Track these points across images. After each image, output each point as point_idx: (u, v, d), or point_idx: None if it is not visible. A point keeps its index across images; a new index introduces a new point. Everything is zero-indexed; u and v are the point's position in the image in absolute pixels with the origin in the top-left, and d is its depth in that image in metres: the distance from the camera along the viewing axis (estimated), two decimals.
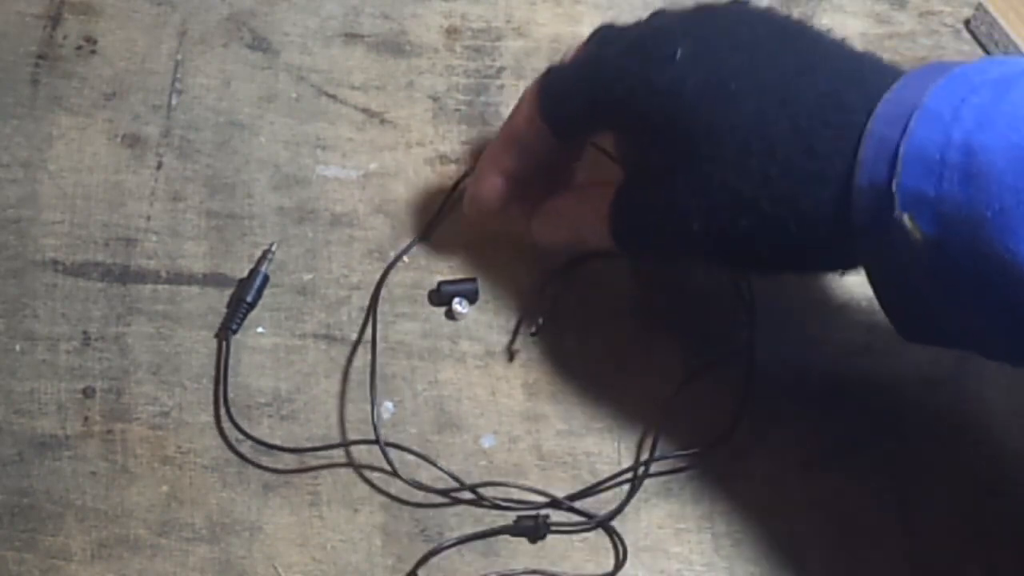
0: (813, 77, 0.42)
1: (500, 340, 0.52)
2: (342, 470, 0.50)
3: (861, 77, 0.42)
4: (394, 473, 0.49)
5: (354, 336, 0.52)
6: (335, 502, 0.49)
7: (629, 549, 0.48)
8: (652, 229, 0.46)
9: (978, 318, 0.39)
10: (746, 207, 0.42)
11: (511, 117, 0.50)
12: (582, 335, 0.52)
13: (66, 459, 0.49)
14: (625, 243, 0.48)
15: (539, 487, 0.49)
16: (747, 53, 0.43)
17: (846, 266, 0.45)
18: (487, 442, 0.50)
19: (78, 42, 0.58)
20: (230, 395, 0.50)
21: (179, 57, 0.58)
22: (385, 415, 0.51)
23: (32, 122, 0.56)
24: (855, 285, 0.52)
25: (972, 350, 0.42)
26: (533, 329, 0.51)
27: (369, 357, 0.51)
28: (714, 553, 0.48)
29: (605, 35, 0.48)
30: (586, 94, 0.46)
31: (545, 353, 0.52)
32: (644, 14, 0.57)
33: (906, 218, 0.38)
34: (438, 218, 0.54)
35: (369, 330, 0.52)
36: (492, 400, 0.51)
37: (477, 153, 0.55)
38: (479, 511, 0.49)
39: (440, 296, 0.53)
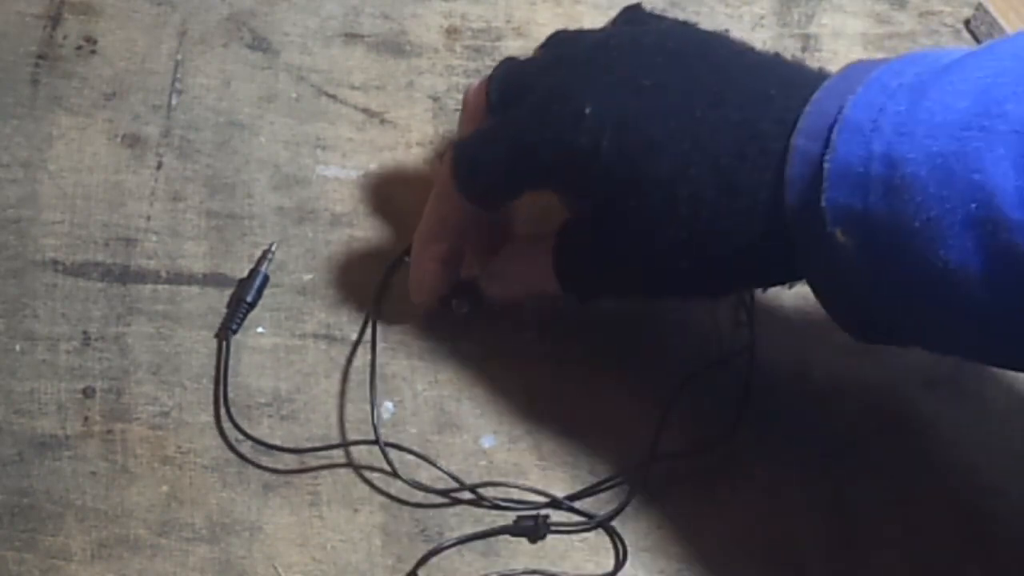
0: (723, 110, 0.42)
1: (500, 340, 0.52)
2: (342, 470, 0.50)
3: (771, 97, 0.42)
4: (394, 473, 0.49)
5: (354, 336, 0.52)
6: (335, 502, 0.49)
7: (629, 549, 0.48)
8: (596, 273, 0.47)
9: (920, 318, 0.40)
10: (683, 249, 0.43)
11: (431, 200, 0.49)
12: (582, 335, 0.52)
13: (66, 459, 0.49)
14: (574, 289, 0.48)
15: (539, 487, 0.49)
16: (655, 95, 0.43)
17: (789, 279, 0.45)
18: (487, 442, 0.50)
19: (78, 42, 0.58)
20: (230, 395, 0.50)
21: (179, 57, 0.58)
22: (385, 415, 0.51)
23: (32, 122, 0.56)
24: None
25: (925, 348, 0.42)
26: (465, 308, 0.52)
27: (369, 357, 0.51)
28: (714, 553, 0.48)
29: (500, 85, 0.48)
30: (501, 165, 0.46)
31: (545, 353, 0.52)
32: None
33: (838, 232, 0.38)
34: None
35: (369, 330, 0.52)
36: (492, 400, 0.51)
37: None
38: (479, 511, 0.49)
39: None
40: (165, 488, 0.49)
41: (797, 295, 0.52)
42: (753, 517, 0.49)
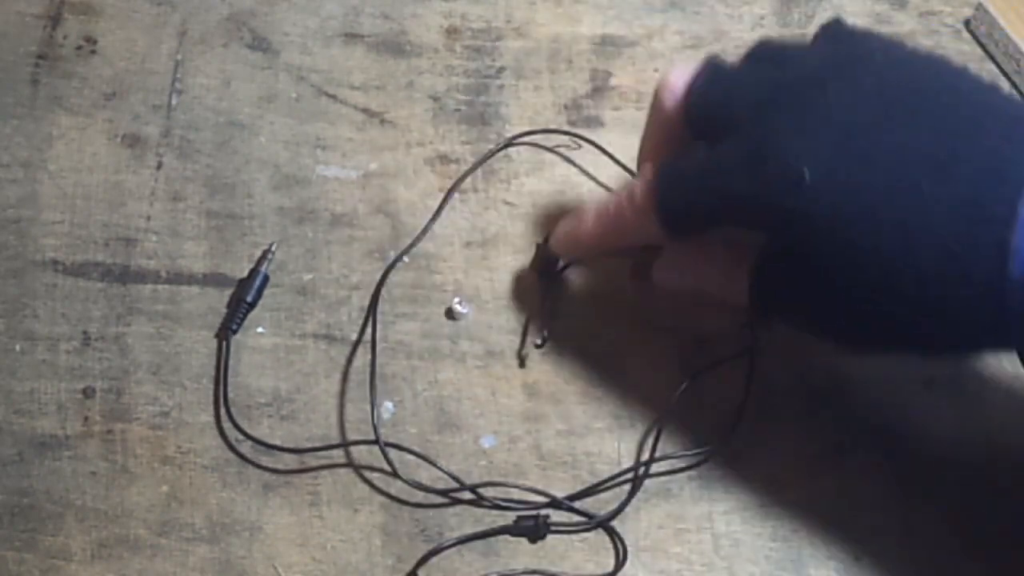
0: (951, 186, 0.39)
1: (500, 340, 0.52)
2: (342, 470, 0.50)
3: (997, 169, 0.39)
4: (394, 473, 0.49)
5: (354, 336, 0.52)
6: (335, 502, 0.49)
7: (629, 549, 0.48)
8: (793, 308, 0.44)
9: None
10: (893, 320, 0.41)
11: (617, 204, 0.47)
12: (582, 335, 0.52)
13: (66, 459, 0.49)
14: (768, 311, 0.46)
15: (539, 487, 0.49)
16: (879, 160, 0.40)
17: (995, 350, 0.43)
18: (487, 442, 0.50)
19: (78, 42, 0.58)
20: (230, 395, 0.50)
21: (179, 57, 0.58)
22: (385, 415, 0.51)
23: (32, 122, 0.56)
24: None
25: None
26: (539, 341, 0.52)
27: (369, 357, 0.51)
28: (714, 553, 0.48)
29: (703, 100, 0.45)
30: (707, 207, 0.44)
31: (545, 353, 0.52)
32: (644, 14, 0.57)
33: None
34: (438, 218, 0.54)
35: (369, 330, 0.52)
36: (492, 400, 0.51)
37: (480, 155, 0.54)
38: (479, 511, 0.49)
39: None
40: (165, 488, 0.49)
41: None
42: (753, 516, 0.49)
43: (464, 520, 0.49)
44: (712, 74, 0.46)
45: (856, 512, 0.49)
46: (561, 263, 0.53)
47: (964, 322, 0.40)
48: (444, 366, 0.52)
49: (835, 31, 0.45)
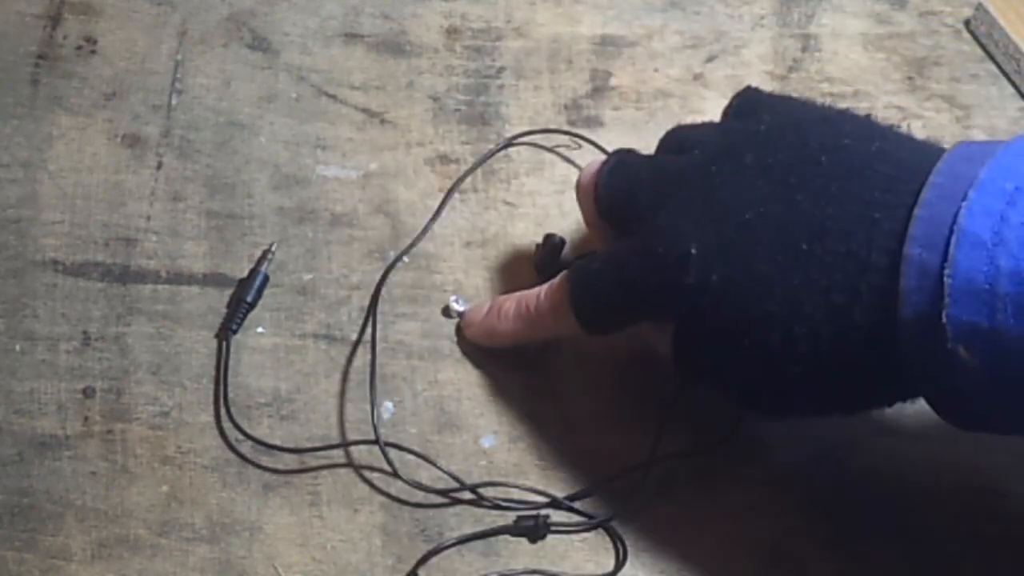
0: (827, 241, 0.40)
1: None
2: (342, 470, 0.50)
3: (876, 220, 0.40)
4: (394, 473, 0.49)
5: (354, 336, 0.52)
6: (335, 502, 0.49)
7: (629, 549, 0.48)
8: (707, 373, 0.46)
9: None
10: (793, 382, 0.42)
11: (536, 305, 0.49)
12: (582, 336, 0.52)
13: (66, 459, 0.49)
14: (688, 375, 0.47)
15: (539, 487, 0.49)
16: (760, 228, 0.42)
17: (896, 399, 0.44)
18: (487, 442, 0.50)
19: (78, 42, 0.58)
20: (230, 395, 0.50)
21: (179, 57, 0.58)
22: (385, 415, 0.51)
23: (32, 122, 0.56)
24: None
25: None
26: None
27: (369, 357, 0.51)
28: (714, 553, 0.48)
29: (608, 191, 0.47)
30: (614, 298, 0.46)
31: (545, 354, 0.52)
32: (644, 14, 0.57)
33: (961, 350, 0.37)
34: (438, 218, 0.54)
35: (369, 330, 0.52)
36: (492, 400, 0.51)
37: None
38: (479, 511, 0.49)
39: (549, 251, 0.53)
40: (165, 488, 0.49)
41: None
42: (753, 517, 0.49)
43: (464, 520, 0.49)
44: (616, 167, 0.48)
45: (856, 512, 0.49)
46: (561, 263, 0.53)
47: (860, 375, 0.41)
48: (444, 366, 0.52)
49: (739, 105, 0.47)
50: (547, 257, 0.53)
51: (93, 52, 0.58)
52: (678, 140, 0.48)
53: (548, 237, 0.53)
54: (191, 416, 0.50)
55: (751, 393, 0.45)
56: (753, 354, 0.42)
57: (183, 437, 0.50)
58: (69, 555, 0.48)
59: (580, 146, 0.56)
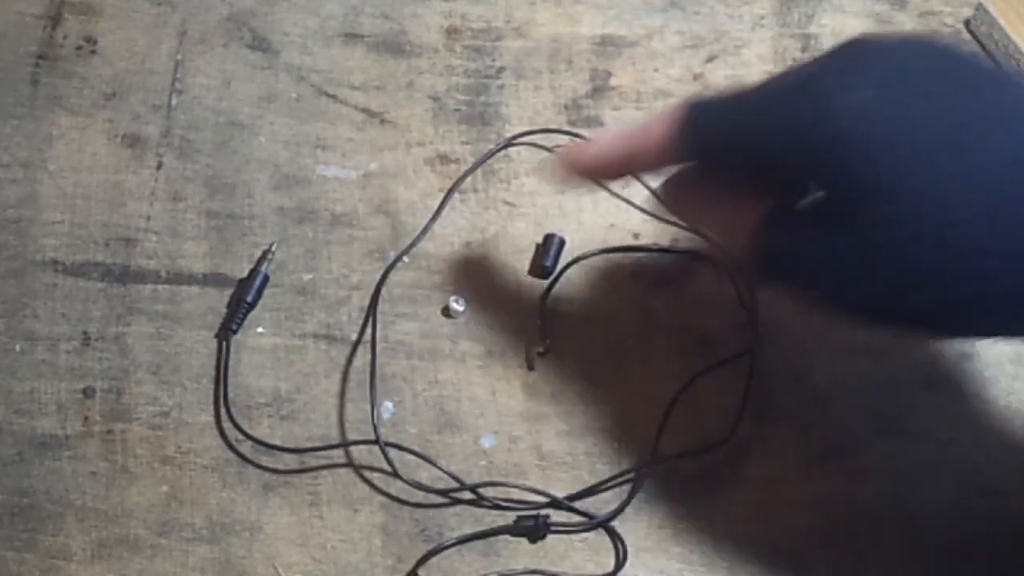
0: (1006, 136, 0.35)
1: (500, 340, 0.52)
2: (342, 470, 0.50)
3: None
4: (394, 473, 0.49)
5: (354, 336, 0.52)
6: (335, 502, 0.49)
7: (629, 549, 0.48)
8: (801, 278, 0.39)
9: None
10: (926, 282, 0.35)
11: (643, 123, 0.42)
12: (582, 335, 0.52)
13: (66, 459, 0.49)
14: (772, 280, 0.41)
15: (539, 487, 0.49)
16: (943, 99, 0.36)
17: None
18: (487, 442, 0.50)
19: (78, 42, 0.58)
20: (230, 395, 0.50)
21: (179, 57, 0.58)
22: (385, 415, 0.51)
23: (32, 122, 0.56)
24: None
25: None
26: (541, 349, 0.52)
27: (369, 357, 0.51)
28: (714, 553, 0.48)
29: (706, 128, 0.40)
30: (742, 127, 0.39)
31: (545, 354, 0.52)
32: (643, 14, 0.56)
33: None
34: (438, 218, 0.54)
35: (369, 330, 0.52)
36: (492, 400, 0.51)
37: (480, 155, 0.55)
38: (479, 511, 0.49)
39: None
40: (165, 488, 0.49)
41: None
42: (753, 516, 0.49)
43: (464, 520, 0.49)
44: (713, 101, 0.41)
45: (856, 512, 0.49)
46: (561, 263, 0.53)
47: (1010, 296, 0.35)
48: (444, 366, 0.52)
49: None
50: (547, 257, 0.53)
51: (93, 52, 0.58)
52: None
53: (548, 237, 0.53)
54: (191, 416, 0.50)
55: (869, 297, 0.37)
56: (896, 244, 0.35)
57: (183, 437, 0.50)
58: (69, 555, 0.48)
59: None
